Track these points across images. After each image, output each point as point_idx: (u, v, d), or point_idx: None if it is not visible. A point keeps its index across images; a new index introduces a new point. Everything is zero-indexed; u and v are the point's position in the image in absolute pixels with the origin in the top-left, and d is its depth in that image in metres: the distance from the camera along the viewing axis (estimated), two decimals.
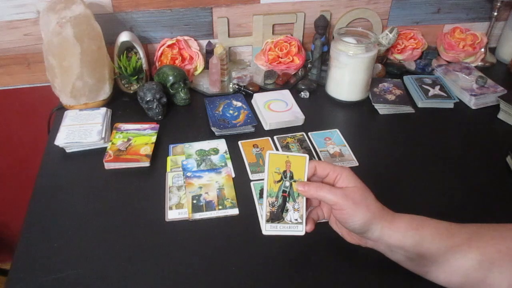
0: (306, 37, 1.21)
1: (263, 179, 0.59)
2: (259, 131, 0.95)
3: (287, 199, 0.58)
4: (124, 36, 1.05)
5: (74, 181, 0.81)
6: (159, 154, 0.87)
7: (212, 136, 0.93)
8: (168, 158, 0.86)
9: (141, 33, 1.12)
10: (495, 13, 1.22)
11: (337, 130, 0.95)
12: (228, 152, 0.88)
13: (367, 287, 0.63)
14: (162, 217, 0.73)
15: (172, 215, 0.74)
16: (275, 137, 0.93)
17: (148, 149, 0.86)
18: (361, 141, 0.93)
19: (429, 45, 1.26)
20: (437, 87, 1.08)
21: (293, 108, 1.00)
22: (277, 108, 0.99)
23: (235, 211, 0.75)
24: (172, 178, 0.81)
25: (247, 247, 0.68)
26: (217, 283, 0.63)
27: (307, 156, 0.58)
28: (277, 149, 0.90)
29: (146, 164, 0.84)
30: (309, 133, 0.94)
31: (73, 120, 0.93)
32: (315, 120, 0.99)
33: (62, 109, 0.99)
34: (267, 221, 0.58)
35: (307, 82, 1.09)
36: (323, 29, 1.14)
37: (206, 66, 1.14)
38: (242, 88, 1.07)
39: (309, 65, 1.18)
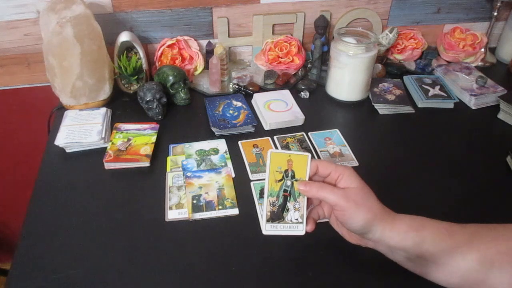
0: (306, 37, 1.21)
1: (263, 179, 0.58)
2: (259, 131, 0.95)
3: (288, 198, 0.57)
4: (124, 36, 1.05)
5: (74, 181, 0.81)
6: (159, 154, 0.87)
7: (212, 136, 0.93)
8: (168, 158, 0.86)
9: (141, 33, 1.12)
10: (495, 13, 1.22)
11: (337, 130, 0.95)
12: (228, 152, 0.88)
13: (367, 287, 0.63)
14: (162, 217, 0.73)
15: (172, 215, 0.74)
16: (275, 137, 0.93)
17: (148, 149, 0.86)
18: (361, 141, 0.93)
19: (429, 45, 1.26)
20: (437, 87, 1.08)
21: (293, 108, 0.99)
22: (277, 108, 0.99)
23: (235, 211, 0.75)
24: (172, 178, 0.81)
25: (247, 247, 0.68)
26: (217, 283, 0.63)
27: (309, 155, 0.57)
28: (277, 149, 0.89)
29: (146, 164, 0.84)
30: (309, 133, 0.94)
31: (73, 120, 0.93)
32: (315, 120, 0.99)
33: (62, 109, 0.99)
34: (268, 220, 0.57)
35: (307, 82, 1.09)
36: (323, 29, 1.14)
37: (206, 66, 1.14)
38: (242, 88, 1.07)
39: (309, 65, 1.18)
